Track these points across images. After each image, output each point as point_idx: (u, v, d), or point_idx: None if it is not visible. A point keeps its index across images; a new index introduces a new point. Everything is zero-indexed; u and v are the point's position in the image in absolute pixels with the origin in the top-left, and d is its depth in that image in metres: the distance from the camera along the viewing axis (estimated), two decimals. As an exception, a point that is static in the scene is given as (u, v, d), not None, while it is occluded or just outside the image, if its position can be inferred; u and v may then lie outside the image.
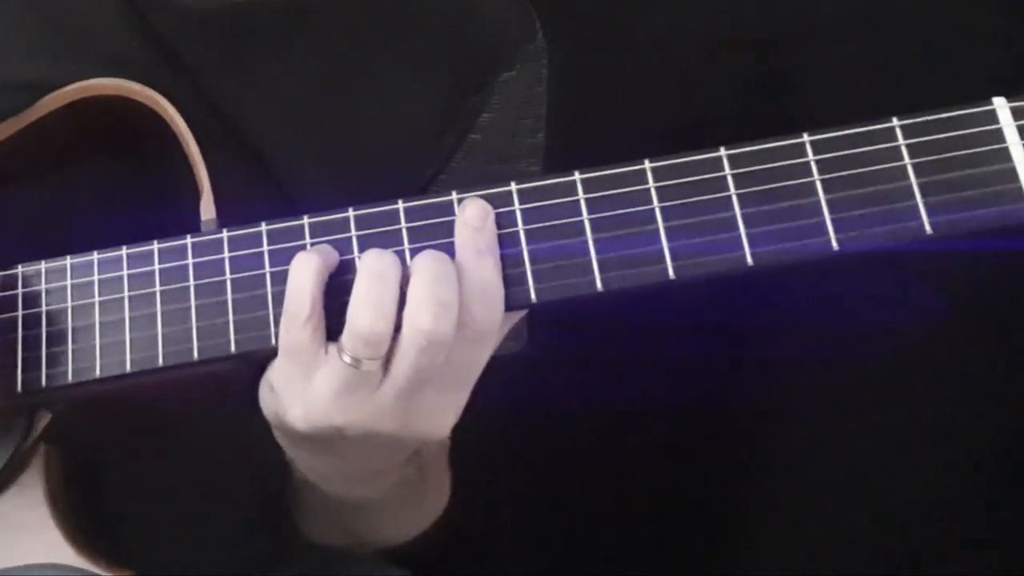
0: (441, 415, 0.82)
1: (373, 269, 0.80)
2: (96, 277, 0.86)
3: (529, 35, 1.01)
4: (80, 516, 0.87)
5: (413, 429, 0.82)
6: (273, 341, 0.83)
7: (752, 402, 1.36)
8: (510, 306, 0.81)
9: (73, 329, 0.86)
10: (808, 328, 0.78)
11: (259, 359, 0.84)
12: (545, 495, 1.28)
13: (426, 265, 0.79)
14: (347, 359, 0.79)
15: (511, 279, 0.81)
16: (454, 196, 0.82)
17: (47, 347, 0.86)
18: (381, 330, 0.78)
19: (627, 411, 0.90)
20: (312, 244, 0.83)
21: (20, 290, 0.87)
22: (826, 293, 0.78)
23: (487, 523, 1.03)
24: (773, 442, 1.46)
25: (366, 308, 0.79)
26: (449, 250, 0.81)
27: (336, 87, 0.97)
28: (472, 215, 0.81)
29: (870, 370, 1.40)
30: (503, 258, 0.81)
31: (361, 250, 0.82)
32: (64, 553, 0.86)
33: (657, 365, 0.88)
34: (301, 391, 0.81)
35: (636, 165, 0.81)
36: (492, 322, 0.80)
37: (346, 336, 0.79)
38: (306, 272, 0.80)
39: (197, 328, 0.84)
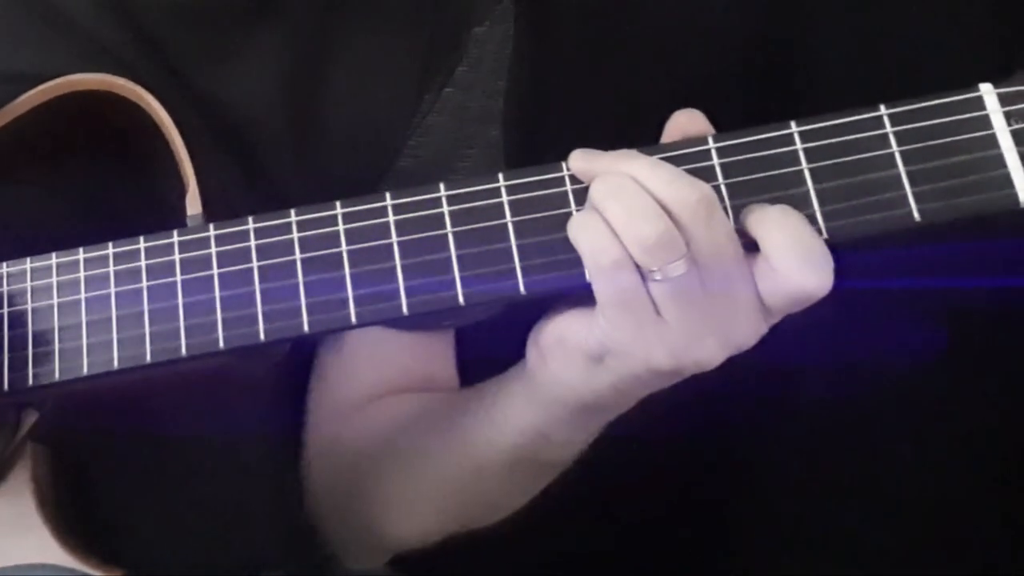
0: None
1: (605, 192, 0.78)
2: (82, 274, 0.85)
3: None
4: (69, 515, 0.87)
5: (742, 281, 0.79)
6: (262, 337, 0.82)
7: (749, 434, 1.37)
8: None
9: (59, 327, 0.85)
10: (805, 364, 0.79)
11: (247, 354, 0.84)
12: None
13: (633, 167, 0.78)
14: (659, 277, 0.77)
15: None
16: (442, 191, 0.82)
17: (33, 346, 0.85)
18: (664, 227, 0.76)
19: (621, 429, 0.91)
20: (299, 239, 0.83)
21: (5, 288, 0.86)
22: (823, 327, 0.79)
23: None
24: (770, 473, 1.47)
25: (637, 220, 0.76)
26: (441, 244, 0.80)
27: (313, 61, 0.98)
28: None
29: (869, 404, 1.40)
30: None
31: (349, 244, 0.82)
32: (53, 553, 0.85)
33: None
34: (655, 332, 0.78)
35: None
36: None
37: (642, 259, 0.77)
38: (590, 224, 0.78)
39: (185, 325, 0.83)
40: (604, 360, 0.80)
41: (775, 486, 1.48)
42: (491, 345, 0.89)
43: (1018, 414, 1.44)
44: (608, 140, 0.82)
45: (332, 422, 1.03)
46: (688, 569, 1.47)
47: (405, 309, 0.81)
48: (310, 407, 1.04)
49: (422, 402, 1.00)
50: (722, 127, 0.81)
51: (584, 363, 0.81)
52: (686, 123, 0.81)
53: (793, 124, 0.79)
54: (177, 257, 0.84)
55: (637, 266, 0.77)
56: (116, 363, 0.84)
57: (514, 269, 0.80)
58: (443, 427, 0.95)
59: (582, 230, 0.78)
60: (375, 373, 1.02)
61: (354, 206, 0.83)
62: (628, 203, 0.77)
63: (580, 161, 0.80)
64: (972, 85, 0.78)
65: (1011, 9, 1.31)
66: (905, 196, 0.77)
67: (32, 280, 0.86)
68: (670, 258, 0.76)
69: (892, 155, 0.78)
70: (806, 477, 1.47)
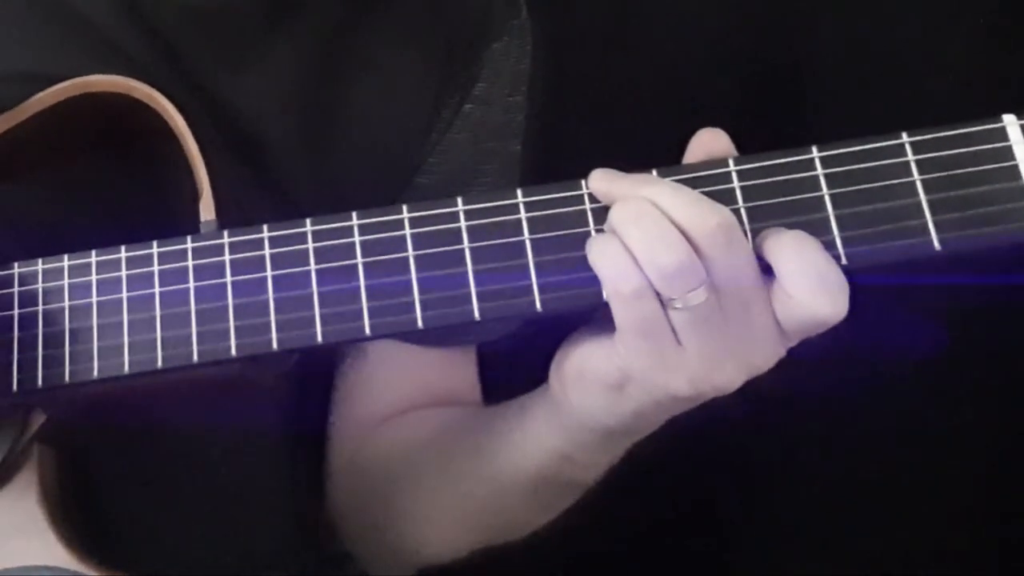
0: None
1: (626, 218, 0.77)
2: (94, 277, 0.85)
3: (514, 11, 1.02)
4: (74, 518, 0.86)
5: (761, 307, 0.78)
6: (275, 345, 0.82)
7: (749, 433, 1.37)
8: None
9: (71, 330, 0.84)
10: (805, 358, 0.79)
11: (258, 362, 0.83)
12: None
13: (653, 191, 0.78)
14: (680, 305, 0.76)
15: None
16: (459, 204, 0.82)
17: (44, 348, 0.85)
18: (685, 256, 0.76)
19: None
20: (314, 248, 0.83)
21: (16, 289, 0.86)
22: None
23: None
24: (769, 473, 1.47)
25: (657, 248, 0.76)
26: (458, 258, 0.80)
27: (329, 72, 0.97)
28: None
29: (870, 399, 1.40)
30: None
31: (364, 256, 0.82)
32: (58, 555, 0.85)
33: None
34: (675, 359, 0.78)
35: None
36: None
37: (662, 287, 0.76)
38: (611, 250, 0.78)
39: (197, 331, 0.83)
40: (625, 388, 0.80)
41: (773, 484, 1.48)
42: (514, 361, 0.89)
43: (1018, 414, 1.44)
44: (627, 153, 0.82)
45: (354, 438, 1.03)
46: (687, 569, 1.47)
47: (420, 323, 0.81)
48: (332, 423, 1.04)
49: (444, 419, 1.00)
50: (734, 134, 0.81)
51: (605, 392, 0.81)
52: (709, 141, 0.81)
53: (814, 149, 0.79)
54: (191, 263, 0.84)
55: (657, 294, 0.77)
56: (127, 367, 0.84)
57: (531, 286, 0.80)
58: (466, 446, 0.95)
59: (602, 256, 0.78)
60: (397, 390, 1.02)
61: (370, 217, 0.83)
62: (649, 230, 0.76)
63: (600, 182, 0.80)
64: (993, 114, 0.78)
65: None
66: (926, 224, 0.77)
67: (44, 282, 0.86)
68: (690, 286, 0.76)
69: (913, 183, 0.78)
70: (804, 475, 1.47)
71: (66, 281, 0.86)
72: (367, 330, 0.82)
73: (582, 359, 0.82)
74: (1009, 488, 1.48)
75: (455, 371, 1.04)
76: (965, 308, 1.30)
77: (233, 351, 0.83)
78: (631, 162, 0.81)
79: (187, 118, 0.87)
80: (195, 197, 0.87)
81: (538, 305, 0.80)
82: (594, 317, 0.81)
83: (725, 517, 1.49)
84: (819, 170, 0.79)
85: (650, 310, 0.77)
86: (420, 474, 0.98)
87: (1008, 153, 0.77)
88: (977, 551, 1.48)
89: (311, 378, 1.01)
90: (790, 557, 1.48)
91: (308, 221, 0.83)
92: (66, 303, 0.85)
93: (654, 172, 0.80)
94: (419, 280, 0.81)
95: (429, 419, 1.01)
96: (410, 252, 0.82)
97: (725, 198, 0.79)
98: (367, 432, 1.02)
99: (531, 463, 0.90)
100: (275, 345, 0.82)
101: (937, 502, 1.47)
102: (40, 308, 0.85)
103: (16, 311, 0.86)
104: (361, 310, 0.82)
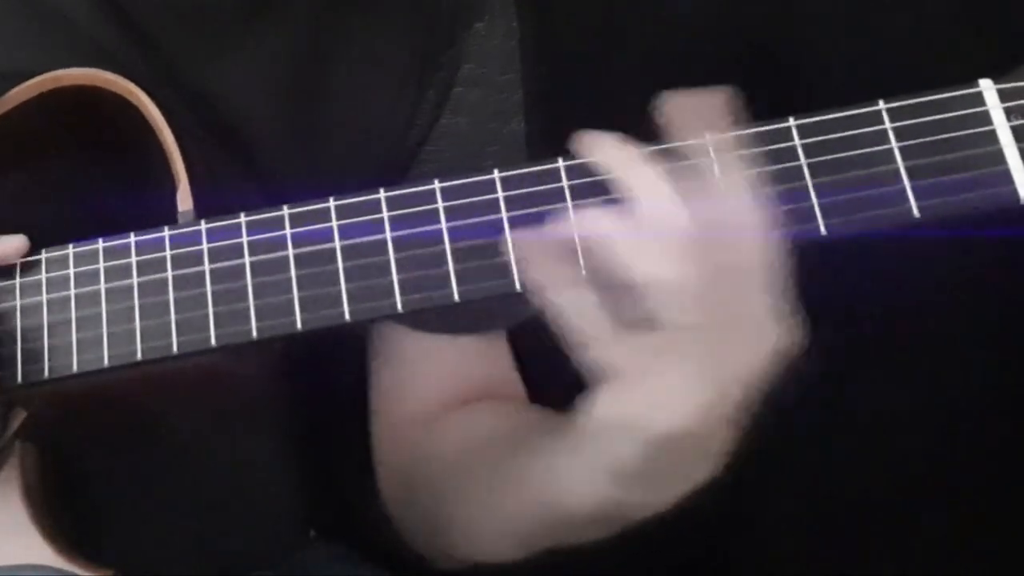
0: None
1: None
2: (72, 271, 0.85)
3: None
4: (58, 515, 0.86)
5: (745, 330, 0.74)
6: (255, 334, 0.81)
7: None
8: None
9: (49, 324, 0.84)
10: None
11: (239, 352, 0.83)
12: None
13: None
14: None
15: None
16: (436, 184, 0.81)
17: (22, 343, 0.84)
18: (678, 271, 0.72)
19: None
20: (292, 234, 0.82)
21: None
22: (823, 279, 0.78)
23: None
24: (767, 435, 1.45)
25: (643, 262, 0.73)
26: (436, 239, 0.80)
27: (310, 60, 0.97)
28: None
29: (874, 395, 1.40)
30: None
31: (343, 239, 0.81)
32: (42, 553, 0.84)
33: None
34: (660, 396, 0.73)
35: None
36: None
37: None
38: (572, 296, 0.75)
39: (176, 322, 0.82)
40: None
41: (772, 482, 1.47)
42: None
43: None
44: (627, 122, 0.81)
45: (398, 440, 1.00)
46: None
47: (400, 306, 0.81)
48: (372, 424, 1.01)
49: (491, 428, 0.95)
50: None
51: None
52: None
53: (791, 119, 0.79)
54: (168, 253, 0.84)
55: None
56: (106, 361, 0.83)
57: (509, 265, 0.79)
58: (512, 467, 0.87)
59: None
60: (434, 385, 0.99)
61: (347, 200, 0.82)
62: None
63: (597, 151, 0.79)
64: (970, 80, 0.78)
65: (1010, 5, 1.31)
66: (904, 191, 0.77)
67: (21, 276, 0.85)
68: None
69: (891, 151, 0.77)
70: (806, 474, 1.46)
71: (43, 275, 0.85)
72: (347, 315, 0.81)
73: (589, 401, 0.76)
74: (1014, 488, 1.47)
75: (488, 359, 1.00)
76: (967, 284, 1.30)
77: (212, 341, 0.82)
78: (635, 125, 0.81)
79: (164, 110, 0.87)
80: (174, 189, 0.86)
81: (517, 284, 0.79)
82: None
83: (724, 514, 1.48)
84: (796, 140, 0.78)
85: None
86: (467, 488, 0.92)
87: (985, 118, 0.77)
88: (984, 551, 1.47)
89: (310, 365, 1.00)
90: (790, 556, 1.47)
91: (285, 207, 0.83)
92: (44, 297, 0.85)
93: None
94: (397, 262, 0.81)
95: (477, 426, 0.96)
96: (387, 234, 0.81)
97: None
98: (411, 433, 0.99)
99: (578, 506, 0.81)
100: (255, 334, 0.82)
101: (944, 501, 1.46)
102: (18, 303, 0.85)
103: None
104: (340, 295, 0.81)
